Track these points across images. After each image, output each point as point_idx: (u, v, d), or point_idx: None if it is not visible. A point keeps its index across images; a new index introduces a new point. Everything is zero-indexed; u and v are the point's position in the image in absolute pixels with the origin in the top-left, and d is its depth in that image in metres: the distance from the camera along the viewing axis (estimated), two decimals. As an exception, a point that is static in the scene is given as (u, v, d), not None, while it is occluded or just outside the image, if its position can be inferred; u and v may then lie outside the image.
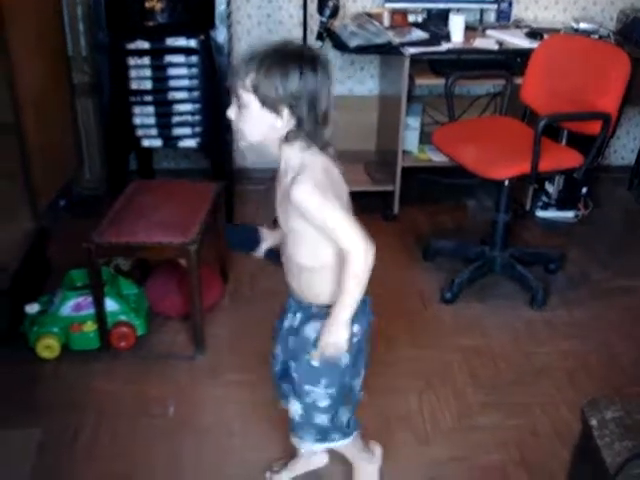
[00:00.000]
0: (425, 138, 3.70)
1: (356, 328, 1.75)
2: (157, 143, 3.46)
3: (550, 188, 3.71)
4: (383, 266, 3.29)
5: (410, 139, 3.75)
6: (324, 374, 1.79)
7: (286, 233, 1.72)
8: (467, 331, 2.89)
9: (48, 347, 2.66)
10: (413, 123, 3.74)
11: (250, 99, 1.53)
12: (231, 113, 1.59)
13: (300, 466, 2.21)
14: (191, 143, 3.43)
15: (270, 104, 1.52)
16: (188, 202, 2.77)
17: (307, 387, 1.81)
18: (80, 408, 2.45)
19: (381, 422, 2.40)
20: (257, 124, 1.57)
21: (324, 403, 1.82)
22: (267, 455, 2.27)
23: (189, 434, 2.32)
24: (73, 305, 2.69)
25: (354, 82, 4.05)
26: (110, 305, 2.69)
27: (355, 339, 1.76)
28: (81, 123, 3.76)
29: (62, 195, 3.61)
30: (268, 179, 3.89)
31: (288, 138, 1.57)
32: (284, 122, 1.54)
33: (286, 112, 1.53)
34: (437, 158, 3.61)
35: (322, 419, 1.85)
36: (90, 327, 2.69)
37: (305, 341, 1.77)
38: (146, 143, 3.46)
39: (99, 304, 2.64)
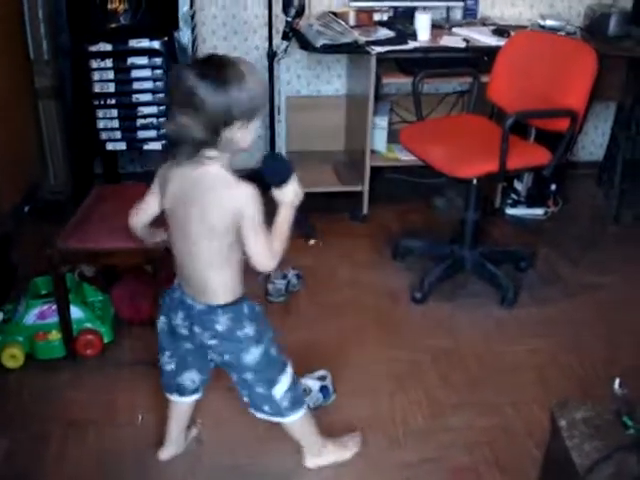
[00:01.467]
0: (393, 137, 3.68)
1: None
2: (121, 146, 3.41)
3: (519, 186, 3.71)
4: (353, 266, 3.34)
5: (378, 138, 3.74)
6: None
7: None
8: (438, 331, 2.88)
9: (13, 356, 2.61)
10: (381, 122, 3.73)
11: None
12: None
13: None
14: (156, 146, 3.39)
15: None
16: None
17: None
18: (47, 418, 2.40)
19: (352, 424, 2.38)
20: None
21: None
22: (238, 461, 2.24)
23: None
24: (37, 313, 2.64)
25: (321, 82, 4.03)
26: (75, 312, 2.64)
27: None
28: (44, 127, 3.70)
29: (26, 200, 3.54)
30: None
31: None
32: None
33: None
34: (405, 157, 3.59)
35: None
36: (55, 336, 2.64)
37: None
38: (110, 147, 3.41)
39: (64, 312, 2.58)
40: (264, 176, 1.77)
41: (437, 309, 3.01)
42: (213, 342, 1.91)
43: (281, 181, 1.82)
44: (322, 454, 2.21)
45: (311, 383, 2.45)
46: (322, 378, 2.49)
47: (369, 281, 3.21)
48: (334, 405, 2.48)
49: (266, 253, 1.78)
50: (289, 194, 1.82)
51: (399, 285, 3.17)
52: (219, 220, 1.74)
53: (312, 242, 1.83)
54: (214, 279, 1.84)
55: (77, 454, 2.26)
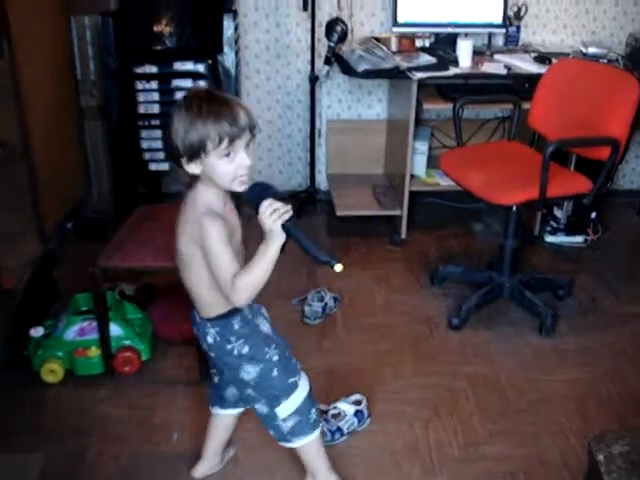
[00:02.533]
0: (433, 162, 3.69)
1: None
2: (164, 167, 3.46)
3: (559, 213, 3.68)
4: (390, 290, 3.34)
5: (418, 163, 3.74)
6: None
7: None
8: (474, 358, 2.85)
9: (52, 371, 2.65)
10: (421, 147, 3.73)
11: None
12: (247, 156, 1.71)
13: None
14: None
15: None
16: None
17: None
18: (83, 433, 2.43)
19: (387, 451, 2.37)
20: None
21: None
22: (271, 483, 2.24)
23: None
24: (77, 329, 2.68)
25: (362, 106, 4.06)
26: (114, 330, 2.68)
27: None
28: (89, 147, 3.77)
29: (70, 218, 3.61)
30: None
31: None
32: None
33: None
34: (445, 182, 3.60)
35: None
36: (94, 352, 2.67)
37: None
38: (153, 167, 3.47)
39: (103, 329, 2.62)
40: (248, 202, 1.73)
41: (474, 336, 2.99)
42: (211, 355, 1.95)
43: (257, 205, 1.68)
44: None
45: (346, 407, 2.45)
46: (357, 402, 2.49)
47: (406, 306, 3.20)
48: (369, 430, 2.47)
49: (226, 286, 1.71)
50: (263, 218, 1.65)
51: (436, 311, 3.15)
52: (193, 246, 1.76)
53: (338, 268, 1.74)
54: (204, 296, 1.85)
55: (112, 470, 2.28)
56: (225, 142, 1.63)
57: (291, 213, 1.65)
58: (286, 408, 1.97)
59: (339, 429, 2.40)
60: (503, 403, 2.60)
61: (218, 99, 1.68)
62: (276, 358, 1.95)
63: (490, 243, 3.66)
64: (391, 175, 3.95)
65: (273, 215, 1.63)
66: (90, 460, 2.32)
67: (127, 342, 2.71)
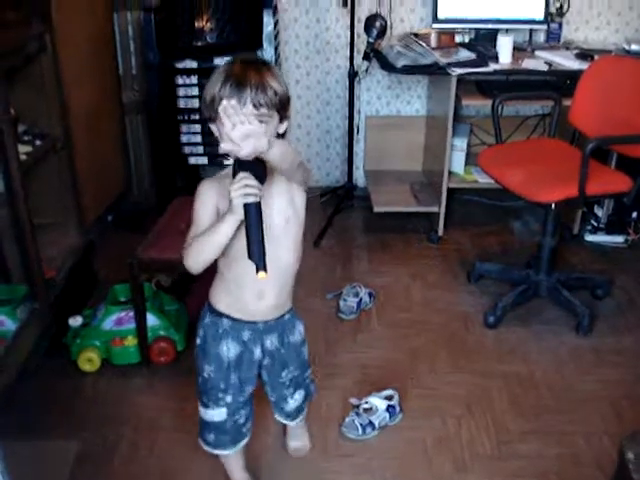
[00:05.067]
0: (471, 159, 3.67)
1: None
2: (203, 161, 3.50)
3: (599, 212, 3.63)
4: (426, 287, 3.33)
5: (456, 160, 3.72)
6: (307, 355, 2.05)
7: (276, 237, 1.70)
8: (509, 356, 2.83)
9: (89, 360, 2.70)
10: (460, 144, 3.71)
11: (272, 113, 1.60)
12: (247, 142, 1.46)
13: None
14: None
15: (285, 105, 1.64)
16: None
17: (305, 374, 2.09)
18: (119, 422, 2.47)
19: (419, 446, 2.37)
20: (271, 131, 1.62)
21: (311, 375, 2.15)
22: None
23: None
24: (115, 319, 2.72)
25: (401, 102, 4.05)
26: (151, 320, 2.72)
27: None
28: (130, 140, 3.83)
29: (110, 210, 3.67)
30: (313, 198, 3.93)
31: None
32: (284, 124, 1.67)
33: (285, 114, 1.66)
34: (483, 180, 3.57)
35: (312, 385, 2.19)
36: (131, 341, 2.72)
37: (296, 346, 1.97)
38: (192, 161, 3.51)
39: (140, 319, 2.66)
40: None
41: (510, 334, 2.96)
42: (282, 354, 1.99)
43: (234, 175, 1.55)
44: None
45: (378, 402, 2.45)
46: (389, 397, 2.49)
47: (442, 303, 3.19)
48: (400, 425, 2.47)
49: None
50: (231, 190, 1.51)
51: (472, 308, 3.14)
52: None
53: (260, 275, 1.58)
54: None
55: (146, 459, 2.31)
56: (215, 103, 1.55)
57: (258, 198, 1.52)
58: (202, 412, 2.06)
59: (370, 423, 2.41)
60: (537, 402, 2.58)
61: (245, 64, 1.59)
62: (205, 364, 1.97)
63: (528, 241, 3.63)
64: (429, 172, 3.93)
65: (241, 190, 1.50)
66: (124, 448, 2.36)
67: (163, 332, 2.75)
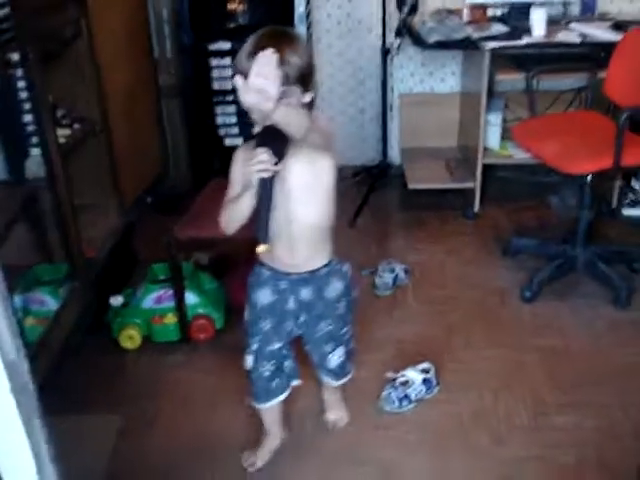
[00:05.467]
0: (507, 134, 3.64)
1: (345, 266, 2.06)
2: (239, 142, 3.54)
3: (636, 185, 3.59)
4: (461, 263, 3.33)
5: (491, 135, 3.70)
6: (347, 314, 2.10)
7: (296, 198, 1.81)
8: (546, 330, 2.83)
9: (130, 337, 2.77)
10: (494, 119, 3.69)
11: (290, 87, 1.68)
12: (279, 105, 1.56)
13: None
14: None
15: (305, 76, 1.73)
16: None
17: (343, 330, 2.12)
18: (159, 397, 2.54)
19: (455, 419, 2.39)
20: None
21: (351, 331, 2.17)
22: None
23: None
24: (155, 298, 2.78)
25: (435, 80, 4.04)
26: (190, 298, 2.77)
27: (349, 274, 2.08)
28: (167, 123, 3.88)
29: (148, 192, 3.73)
30: (347, 177, 3.95)
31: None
32: (308, 95, 1.77)
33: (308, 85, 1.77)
34: (519, 155, 3.56)
35: (352, 343, 2.22)
36: (171, 319, 2.78)
37: (331, 300, 2.02)
38: (228, 142, 3.56)
39: (180, 297, 2.72)
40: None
41: (547, 308, 2.95)
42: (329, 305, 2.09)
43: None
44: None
45: (414, 375, 2.48)
46: (425, 371, 2.51)
47: (478, 278, 3.19)
48: (437, 398, 2.49)
49: None
50: (250, 163, 1.66)
51: (508, 283, 3.13)
52: None
53: (260, 248, 1.71)
54: None
55: (185, 432, 2.38)
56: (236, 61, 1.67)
57: (271, 173, 1.64)
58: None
59: (407, 396, 2.43)
60: (574, 375, 2.58)
61: (267, 38, 1.67)
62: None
63: (566, 216, 3.58)
64: (464, 148, 3.92)
65: (256, 166, 1.64)
66: (164, 422, 2.43)
67: (202, 310, 2.80)
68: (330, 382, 2.27)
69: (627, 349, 2.70)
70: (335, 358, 2.16)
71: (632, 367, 2.60)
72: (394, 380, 2.48)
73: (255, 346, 2.05)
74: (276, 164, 1.64)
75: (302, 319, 2.04)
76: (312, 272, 1.96)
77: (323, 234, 1.93)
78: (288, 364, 2.14)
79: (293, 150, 1.72)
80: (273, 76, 1.53)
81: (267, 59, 1.53)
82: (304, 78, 1.69)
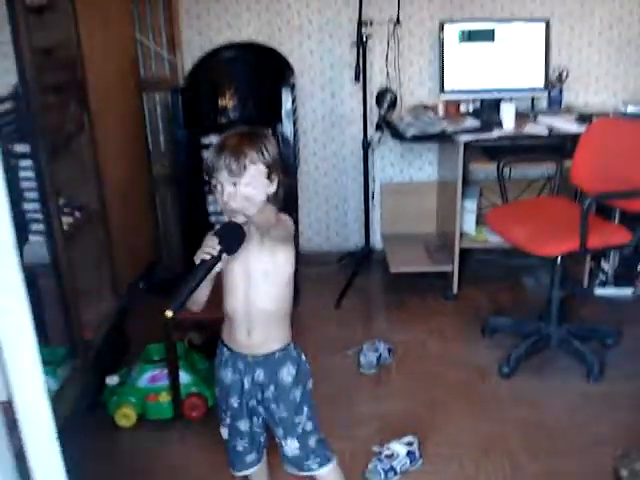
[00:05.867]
0: (482, 220, 3.86)
1: (303, 355, 2.11)
2: (229, 227, 3.72)
3: (606, 265, 3.79)
4: (442, 342, 3.48)
5: (467, 221, 3.93)
6: (302, 404, 2.09)
7: (254, 283, 1.95)
8: (523, 404, 2.96)
9: (126, 416, 2.87)
10: (470, 206, 3.92)
11: (258, 170, 1.81)
12: (230, 198, 1.80)
13: None
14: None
15: (271, 169, 1.84)
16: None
17: (296, 419, 2.10)
18: (153, 471, 2.63)
19: (437, 488, 2.50)
20: (261, 191, 1.84)
21: (310, 426, 2.11)
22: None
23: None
24: (149, 377, 2.90)
25: (413, 169, 4.28)
26: (184, 377, 2.89)
27: (306, 365, 2.12)
28: (160, 211, 4.07)
29: (142, 277, 3.88)
30: (332, 262, 4.14)
31: (270, 200, 1.86)
32: (273, 185, 1.85)
33: (274, 177, 1.85)
34: (494, 239, 3.76)
35: (313, 440, 2.13)
36: (165, 397, 2.88)
37: (285, 385, 2.05)
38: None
39: (174, 375, 2.84)
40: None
41: (524, 383, 3.10)
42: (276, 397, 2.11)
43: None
44: None
45: (399, 448, 2.59)
46: (409, 444, 2.62)
47: (458, 356, 3.34)
48: (421, 470, 2.60)
49: None
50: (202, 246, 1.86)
51: (487, 360, 3.28)
52: None
53: (168, 313, 1.86)
54: None
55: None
56: (210, 172, 1.82)
57: (208, 257, 1.80)
58: None
59: (392, 468, 2.54)
60: (551, 446, 2.70)
61: (233, 135, 1.85)
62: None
63: (541, 297, 3.75)
64: (442, 233, 4.13)
65: (200, 251, 1.82)
66: (160, 496, 2.52)
67: (195, 389, 2.91)
68: (293, 472, 2.20)
69: (599, 421, 2.83)
70: (288, 448, 2.13)
71: (604, 438, 2.72)
72: (380, 453, 2.59)
73: (228, 420, 2.13)
74: (220, 254, 1.79)
75: (259, 399, 2.09)
76: (267, 355, 2.03)
77: (279, 319, 2.02)
78: (263, 439, 2.19)
79: (257, 239, 1.88)
80: (261, 185, 1.77)
81: (258, 171, 1.77)
82: (272, 170, 1.85)
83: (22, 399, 0.92)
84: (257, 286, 1.95)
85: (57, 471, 1.00)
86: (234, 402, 2.09)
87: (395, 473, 2.54)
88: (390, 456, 2.57)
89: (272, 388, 2.06)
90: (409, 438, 2.65)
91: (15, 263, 0.94)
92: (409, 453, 2.59)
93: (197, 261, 1.82)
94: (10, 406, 0.95)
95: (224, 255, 1.80)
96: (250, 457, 2.20)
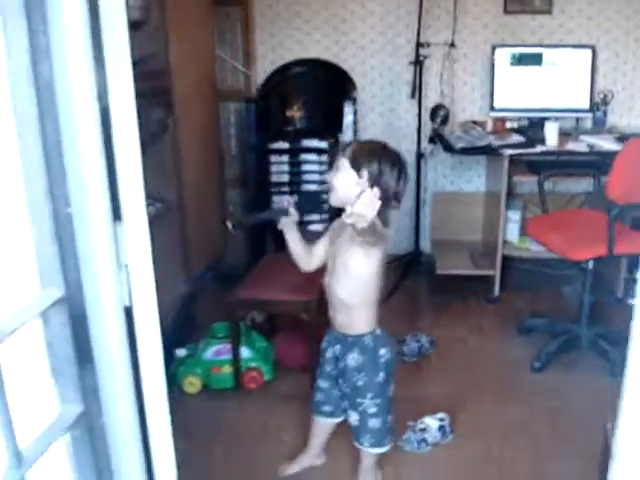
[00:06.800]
0: (525, 231, 4.14)
1: (383, 351, 2.39)
2: (290, 227, 4.09)
3: (638, 275, 4.02)
4: (481, 338, 3.78)
5: (511, 230, 4.23)
6: (367, 389, 2.41)
7: (336, 272, 2.33)
8: (551, 395, 3.23)
9: (192, 384, 3.25)
10: (514, 216, 4.22)
11: (344, 162, 2.20)
12: (330, 176, 2.25)
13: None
14: (318, 227, 4.04)
15: (356, 167, 2.19)
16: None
17: (358, 399, 2.43)
18: (214, 433, 3.00)
19: (465, 462, 2.81)
20: (346, 182, 2.21)
21: (373, 409, 2.43)
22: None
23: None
24: (214, 351, 3.29)
25: (464, 181, 4.60)
26: (244, 352, 3.26)
27: (383, 359, 2.39)
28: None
29: (210, 268, 4.28)
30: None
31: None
32: (363, 181, 2.17)
33: (365, 174, 2.17)
34: (535, 248, 4.05)
35: (374, 422, 2.45)
36: (227, 370, 3.26)
37: (349, 368, 2.41)
38: (281, 226, 4.09)
39: (236, 350, 3.22)
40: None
41: (552, 377, 3.38)
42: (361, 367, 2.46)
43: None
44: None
45: (431, 422, 2.91)
46: (441, 420, 2.94)
47: (494, 351, 3.64)
48: (450, 444, 2.91)
49: None
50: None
51: (521, 356, 3.56)
52: None
53: (228, 224, 2.49)
54: None
55: (234, 462, 2.83)
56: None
57: (273, 210, 2.54)
58: None
59: (424, 440, 2.86)
60: (574, 430, 2.96)
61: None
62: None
63: (576, 303, 4.02)
64: (487, 241, 4.42)
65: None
66: (218, 453, 2.88)
67: (254, 364, 3.29)
68: (354, 439, 2.53)
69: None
70: (351, 417, 2.48)
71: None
72: (414, 426, 2.91)
73: (318, 372, 2.57)
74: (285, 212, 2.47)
75: (337, 369, 2.47)
76: (345, 335, 2.41)
77: (356, 309, 2.36)
78: (340, 402, 2.54)
79: (350, 235, 2.20)
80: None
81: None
82: (355, 165, 2.21)
83: (139, 306, 1.28)
84: (337, 275, 2.34)
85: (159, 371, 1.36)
86: (323, 363, 2.52)
87: (427, 444, 2.86)
88: (423, 429, 2.89)
89: (342, 365, 2.44)
90: (441, 415, 2.97)
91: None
92: (440, 428, 2.91)
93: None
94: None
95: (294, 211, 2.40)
96: (325, 408, 2.59)
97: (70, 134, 1.16)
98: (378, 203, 1.96)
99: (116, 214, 1.30)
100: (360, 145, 2.29)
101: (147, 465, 1.37)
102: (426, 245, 4.66)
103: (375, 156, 2.20)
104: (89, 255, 1.19)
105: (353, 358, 2.40)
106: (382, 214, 2.12)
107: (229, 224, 2.41)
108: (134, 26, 3.15)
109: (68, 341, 1.15)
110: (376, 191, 1.99)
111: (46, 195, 1.14)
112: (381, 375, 2.41)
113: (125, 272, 1.28)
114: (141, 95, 3.23)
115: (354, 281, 2.31)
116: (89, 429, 1.23)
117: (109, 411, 1.27)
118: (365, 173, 2.18)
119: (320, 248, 2.45)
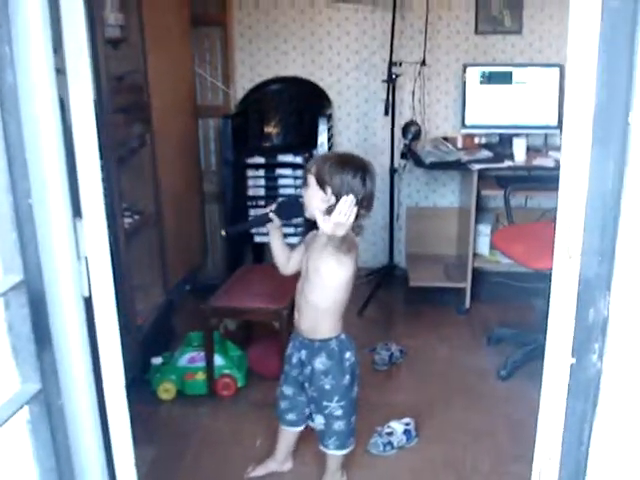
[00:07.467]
0: (496, 243, 4.26)
1: (348, 354, 2.48)
2: (267, 239, 4.18)
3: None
4: (450, 348, 3.88)
5: (482, 244, 4.34)
6: (334, 393, 2.49)
7: (309, 277, 2.42)
8: (515, 402, 3.32)
9: (167, 390, 3.34)
10: (485, 230, 4.34)
11: (311, 180, 2.28)
12: (303, 191, 2.36)
13: None
14: (294, 240, 4.14)
15: (320, 183, 2.28)
16: (284, 280, 3.43)
17: (324, 403, 2.52)
18: (187, 437, 3.08)
19: (429, 463, 2.90)
20: (313, 198, 2.32)
21: (338, 412, 2.52)
22: None
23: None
24: (189, 358, 3.37)
25: (438, 196, 4.72)
26: (218, 360, 3.35)
27: (348, 363, 2.49)
28: (207, 223, 4.58)
29: (188, 280, 4.38)
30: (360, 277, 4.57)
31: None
32: (328, 196, 2.27)
33: (329, 190, 2.27)
34: (505, 261, 4.15)
35: (338, 425, 2.54)
36: (201, 376, 3.35)
37: (317, 371, 2.49)
38: (258, 239, 4.21)
39: (210, 357, 3.30)
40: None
41: (518, 385, 3.47)
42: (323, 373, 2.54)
43: (296, 216, 2.57)
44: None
45: (397, 426, 3.00)
46: (407, 424, 3.03)
47: (462, 360, 3.74)
48: (415, 447, 3.00)
49: None
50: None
51: (489, 365, 3.65)
52: None
53: (222, 232, 2.93)
54: None
55: (207, 465, 2.91)
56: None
57: (261, 216, 2.65)
58: None
59: (390, 443, 2.95)
60: (532, 438, 3.05)
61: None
62: None
63: (546, 316, 4.13)
64: (460, 255, 4.53)
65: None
66: (191, 456, 2.95)
67: (227, 371, 3.38)
68: (319, 442, 2.63)
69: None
70: (317, 421, 2.58)
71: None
72: (381, 430, 3.01)
73: (281, 379, 2.65)
74: (272, 214, 2.52)
75: (302, 374, 2.56)
76: (311, 340, 2.50)
77: (324, 314, 2.45)
78: (305, 408, 2.64)
79: (323, 242, 2.32)
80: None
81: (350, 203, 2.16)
82: (320, 180, 2.32)
83: (98, 297, 1.38)
84: (309, 280, 2.44)
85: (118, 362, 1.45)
86: (289, 369, 2.60)
87: (392, 447, 2.95)
88: (389, 433, 2.98)
89: (309, 370, 2.53)
90: (407, 419, 3.06)
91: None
92: (406, 431, 3.00)
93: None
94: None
95: (275, 217, 2.48)
96: (289, 416, 2.67)
97: (33, 139, 1.26)
98: (355, 209, 2.13)
99: (78, 211, 1.40)
100: (323, 160, 2.37)
101: (105, 444, 1.46)
102: (401, 259, 4.77)
103: (337, 170, 2.29)
104: (48, 245, 1.29)
105: (321, 362, 2.49)
106: (355, 221, 2.21)
107: (223, 232, 2.72)
108: (114, 44, 3.29)
109: (26, 321, 1.24)
110: (352, 197, 2.15)
111: (8, 189, 1.23)
112: (347, 378, 2.50)
113: (85, 264, 1.37)
114: (118, 110, 3.37)
115: (325, 287, 2.41)
116: (47, 407, 1.32)
117: (68, 392, 1.36)
118: (329, 189, 2.29)
119: (297, 253, 2.56)
